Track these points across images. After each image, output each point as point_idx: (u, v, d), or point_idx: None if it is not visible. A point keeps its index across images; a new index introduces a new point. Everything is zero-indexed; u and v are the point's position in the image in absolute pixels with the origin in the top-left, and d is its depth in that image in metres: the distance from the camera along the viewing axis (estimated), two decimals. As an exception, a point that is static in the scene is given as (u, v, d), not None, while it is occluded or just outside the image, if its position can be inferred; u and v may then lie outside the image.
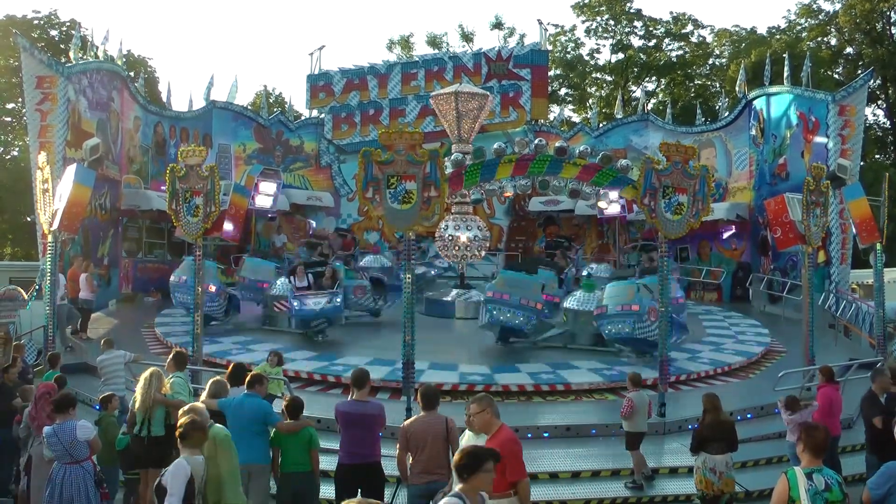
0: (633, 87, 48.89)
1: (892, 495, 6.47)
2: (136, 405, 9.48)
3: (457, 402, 14.51)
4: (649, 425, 11.88)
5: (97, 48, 23.58)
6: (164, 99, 29.15)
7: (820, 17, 45.87)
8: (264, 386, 9.34)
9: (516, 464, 6.56)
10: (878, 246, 17.59)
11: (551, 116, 38.06)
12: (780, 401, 11.26)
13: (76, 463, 8.33)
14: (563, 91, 51.10)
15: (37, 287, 18.64)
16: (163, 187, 17.41)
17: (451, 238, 21.39)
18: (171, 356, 10.82)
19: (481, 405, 6.83)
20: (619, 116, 32.77)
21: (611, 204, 26.48)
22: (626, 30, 49.67)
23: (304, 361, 16.74)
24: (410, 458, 7.97)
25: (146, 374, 9.69)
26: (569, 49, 50.46)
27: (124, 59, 26.53)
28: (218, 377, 9.89)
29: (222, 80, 53.51)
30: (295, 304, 18.77)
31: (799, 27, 46.58)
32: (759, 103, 26.39)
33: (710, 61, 49.58)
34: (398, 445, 8.05)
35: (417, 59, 34.09)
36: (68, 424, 8.44)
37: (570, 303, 19.10)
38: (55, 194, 15.26)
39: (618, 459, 11.77)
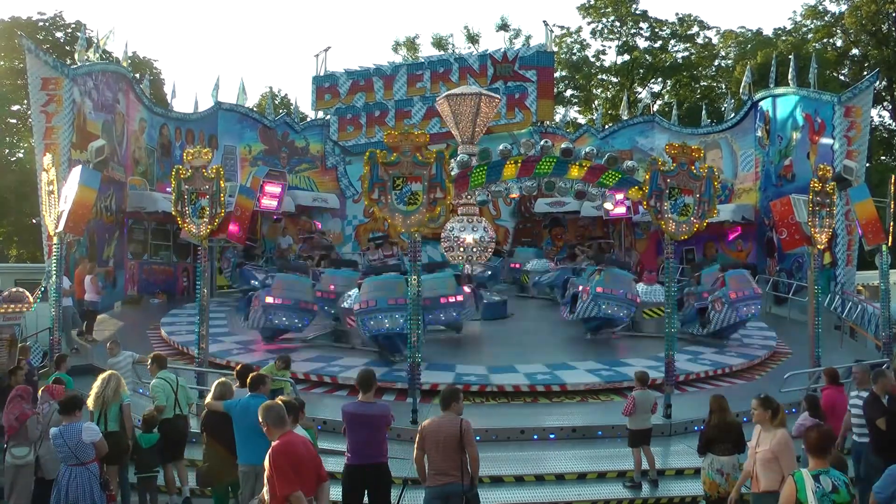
0: (639, 89, 48.82)
1: (896, 498, 6.46)
2: (90, 403, 9.69)
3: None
4: (655, 426, 11.85)
5: (98, 40, 23.59)
6: (169, 101, 29.18)
7: (826, 18, 45.76)
8: (267, 386, 9.36)
9: (281, 478, 6.39)
10: (884, 247, 17.58)
11: (557, 118, 38.02)
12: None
13: (81, 465, 8.33)
14: (568, 92, 51.08)
15: (42, 289, 18.66)
16: (168, 189, 17.43)
17: (456, 239, 21.39)
18: (151, 357, 11.61)
19: (261, 413, 6.75)
20: (624, 118, 32.73)
21: (616, 206, 26.46)
22: (632, 31, 49.67)
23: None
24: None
25: (104, 375, 10.11)
26: (574, 50, 50.49)
27: (129, 61, 26.56)
28: (223, 379, 9.92)
29: (228, 82, 53.83)
30: None
31: (805, 28, 46.50)
32: (764, 105, 26.35)
33: (716, 62, 49.54)
34: (415, 446, 8.02)
35: (423, 60, 34.16)
36: (74, 426, 8.45)
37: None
38: (60, 196, 15.27)
39: (623, 461, 11.73)
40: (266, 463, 6.56)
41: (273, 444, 6.56)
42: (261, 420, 6.73)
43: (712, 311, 19.32)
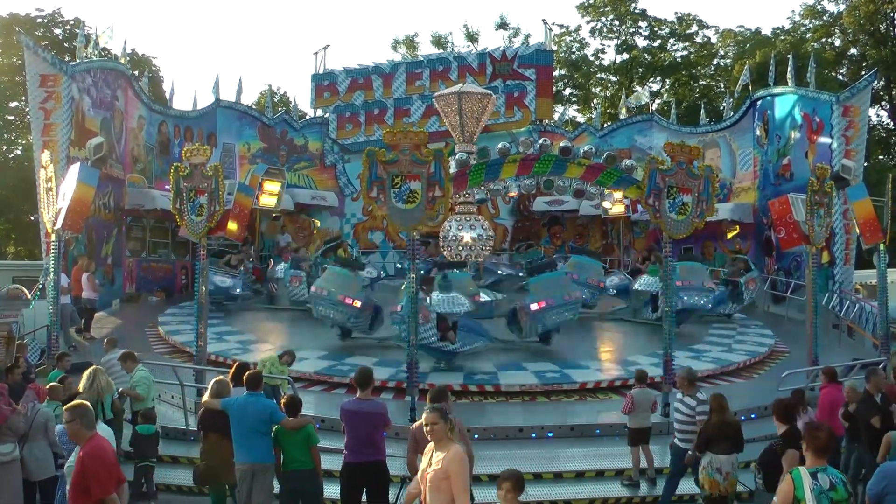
0: (638, 88, 48.79)
1: (888, 494, 6.51)
2: (83, 394, 9.91)
3: (461, 401, 14.56)
4: (654, 425, 11.86)
5: (97, 37, 23.54)
6: (168, 98, 29.15)
7: (824, 17, 45.74)
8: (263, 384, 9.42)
9: (97, 481, 6.31)
10: (882, 246, 17.60)
11: (556, 116, 38.01)
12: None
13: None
14: (567, 91, 51.07)
15: (40, 286, 18.65)
16: (167, 186, 17.40)
17: (455, 238, 21.34)
18: (121, 356, 12.21)
19: (69, 415, 6.61)
20: (623, 117, 32.72)
21: (615, 204, 26.39)
22: (631, 30, 49.61)
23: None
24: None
25: (88, 371, 10.64)
26: (573, 49, 50.43)
27: (128, 58, 26.52)
28: (220, 377, 9.90)
29: (227, 80, 53.82)
30: None
31: (803, 28, 46.48)
32: (763, 104, 26.36)
33: (715, 62, 49.50)
34: (408, 447, 8.00)
35: (422, 58, 34.08)
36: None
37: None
38: (59, 193, 15.24)
39: (622, 459, 11.75)
40: (76, 468, 6.52)
41: (84, 448, 6.48)
42: (70, 418, 6.61)
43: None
